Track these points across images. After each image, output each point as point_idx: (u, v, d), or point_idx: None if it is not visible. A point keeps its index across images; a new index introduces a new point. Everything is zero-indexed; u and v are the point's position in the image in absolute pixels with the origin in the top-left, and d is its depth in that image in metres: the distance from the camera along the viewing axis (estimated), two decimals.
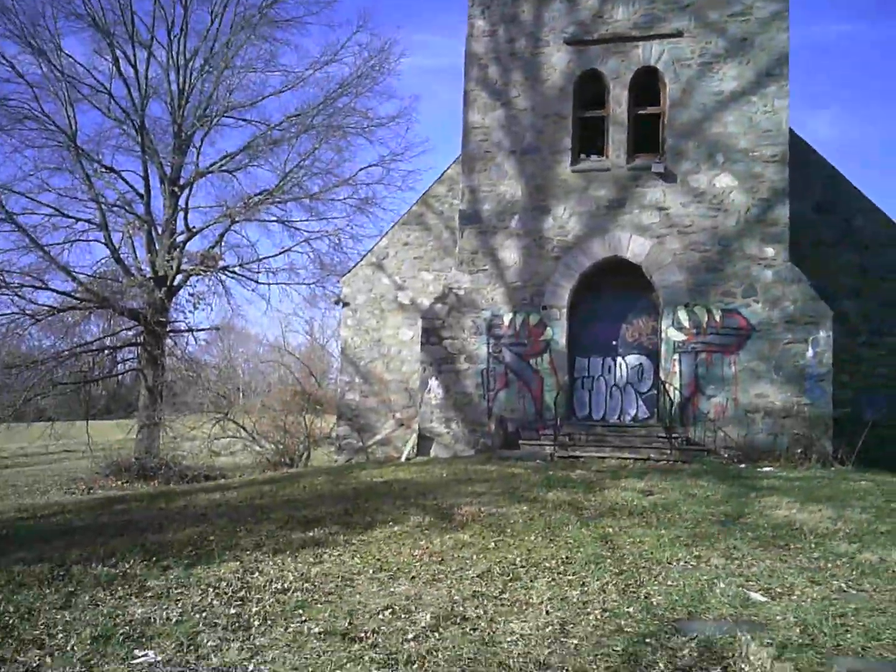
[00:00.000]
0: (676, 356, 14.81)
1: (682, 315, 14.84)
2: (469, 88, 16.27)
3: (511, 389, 15.47)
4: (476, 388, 15.64)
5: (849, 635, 4.82)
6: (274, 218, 26.21)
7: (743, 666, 4.31)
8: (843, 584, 5.93)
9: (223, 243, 25.77)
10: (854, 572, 6.27)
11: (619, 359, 15.66)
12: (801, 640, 4.71)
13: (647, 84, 15.67)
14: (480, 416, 15.55)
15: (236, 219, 24.86)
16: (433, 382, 15.79)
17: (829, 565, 6.48)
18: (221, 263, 25.21)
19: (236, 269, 25.74)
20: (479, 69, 16.25)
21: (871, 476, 12.07)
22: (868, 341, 17.26)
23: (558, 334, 15.36)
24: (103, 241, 24.23)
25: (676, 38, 15.27)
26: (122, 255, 24.18)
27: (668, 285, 14.99)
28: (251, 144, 25.70)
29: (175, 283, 24.25)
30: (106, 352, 24.88)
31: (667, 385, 14.77)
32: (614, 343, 15.68)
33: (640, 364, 15.55)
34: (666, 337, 14.95)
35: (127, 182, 25.07)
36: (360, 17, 45.19)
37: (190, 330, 25.53)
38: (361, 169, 26.28)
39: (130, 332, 24.93)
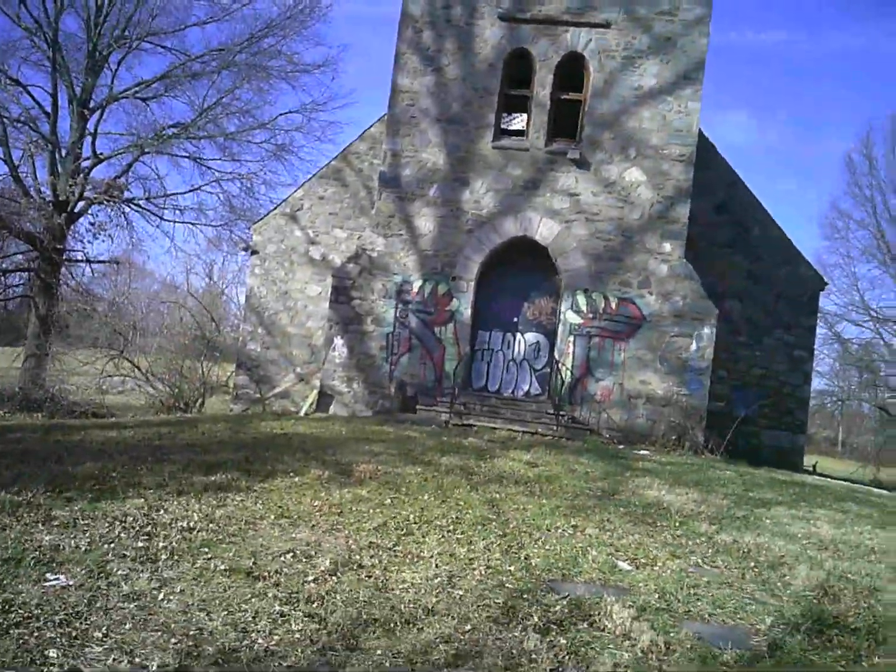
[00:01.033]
0: (572, 338, 15.52)
1: (581, 299, 15.54)
2: (401, 50, 16.29)
3: (414, 355, 15.87)
4: (380, 350, 15.94)
5: (699, 603, 5.48)
6: (186, 154, 25.56)
7: (606, 623, 4.87)
8: (699, 560, 6.61)
9: (130, 174, 24.99)
10: (710, 550, 6.97)
11: (518, 335, 16.29)
12: (658, 605, 5.33)
13: (572, 70, 16.12)
14: (382, 379, 15.89)
15: (146, 150, 24.11)
16: (338, 341, 16.00)
17: (690, 543, 7.16)
18: (127, 194, 24.44)
19: (142, 202, 25.01)
20: (413, 32, 16.29)
21: (736, 467, 13.15)
22: (747, 342, 18.50)
23: (464, 306, 15.81)
24: (2, 156, 23.06)
25: (604, 29, 15.75)
26: (21, 174, 23.06)
27: (570, 269, 15.64)
28: (169, 74, 24.87)
29: (76, 209, 23.35)
30: None
31: (560, 365, 15.47)
32: (515, 320, 16.29)
33: (538, 342, 16.23)
34: (564, 319, 15.63)
35: (33, 97, 23.87)
36: None
37: (88, 260, 24.65)
38: (281, 114, 25.92)
39: (20, 257, 23.91)
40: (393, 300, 15.96)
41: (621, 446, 14.30)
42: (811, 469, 20.23)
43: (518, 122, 17.01)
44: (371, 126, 19.58)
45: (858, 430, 48.16)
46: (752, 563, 6.65)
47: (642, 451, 13.90)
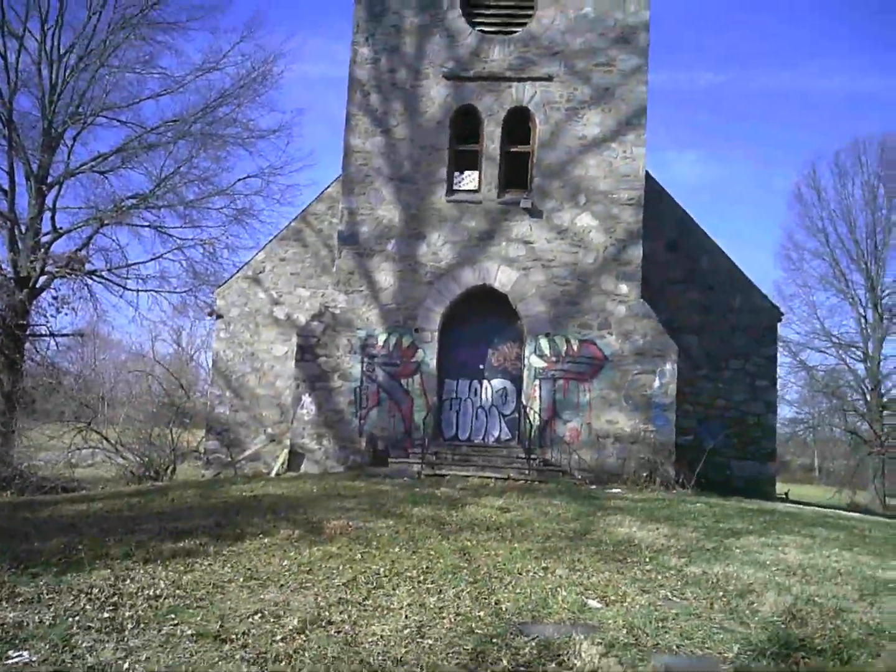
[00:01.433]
0: (537, 382, 15.72)
1: (544, 343, 15.79)
2: (351, 113, 16.69)
3: (382, 408, 15.93)
4: (348, 405, 15.99)
5: (667, 636, 5.53)
6: (146, 223, 25.65)
7: (575, 661, 4.92)
8: (668, 593, 6.67)
9: (91, 246, 25.00)
10: (679, 583, 7.04)
11: (485, 382, 16.44)
12: (626, 640, 5.38)
13: (518, 122, 16.62)
14: (352, 434, 15.89)
15: (106, 221, 24.19)
16: (306, 398, 16.01)
17: (659, 577, 7.23)
18: (88, 267, 24.39)
19: (104, 273, 24.97)
20: (361, 95, 16.72)
21: (706, 499, 13.29)
22: (708, 375, 18.80)
23: (429, 356, 15.96)
24: None
25: (547, 82, 16.31)
26: None
27: (531, 315, 15.91)
28: (125, 147, 25.07)
29: (38, 284, 23.28)
30: None
31: (528, 409, 15.62)
32: (481, 367, 16.47)
33: (505, 388, 16.39)
34: (528, 363, 15.84)
35: None
36: (246, 26, 44.53)
37: (52, 335, 24.46)
38: (239, 179, 26.17)
39: None
40: (358, 355, 16.06)
41: (593, 486, 14.38)
42: (783, 497, 20.42)
43: (469, 181, 17.46)
44: (328, 187, 19.89)
45: (833, 456, 48.52)
46: (721, 593, 6.72)
47: (614, 490, 14.00)
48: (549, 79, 16.26)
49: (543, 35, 16.38)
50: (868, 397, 36.76)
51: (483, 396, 16.41)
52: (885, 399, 36.61)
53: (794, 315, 37.60)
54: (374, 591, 6.37)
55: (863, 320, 37.45)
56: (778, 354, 20.21)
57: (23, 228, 23.61)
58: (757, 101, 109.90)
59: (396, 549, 7.87)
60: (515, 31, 16.54)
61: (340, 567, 7.09)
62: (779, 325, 19.88)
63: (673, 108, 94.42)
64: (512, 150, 16.65)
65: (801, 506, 16.11)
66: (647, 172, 16.56)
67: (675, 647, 5.33)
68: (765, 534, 9.81)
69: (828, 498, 30.61)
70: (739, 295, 19.04)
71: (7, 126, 23.04)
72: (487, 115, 16.38)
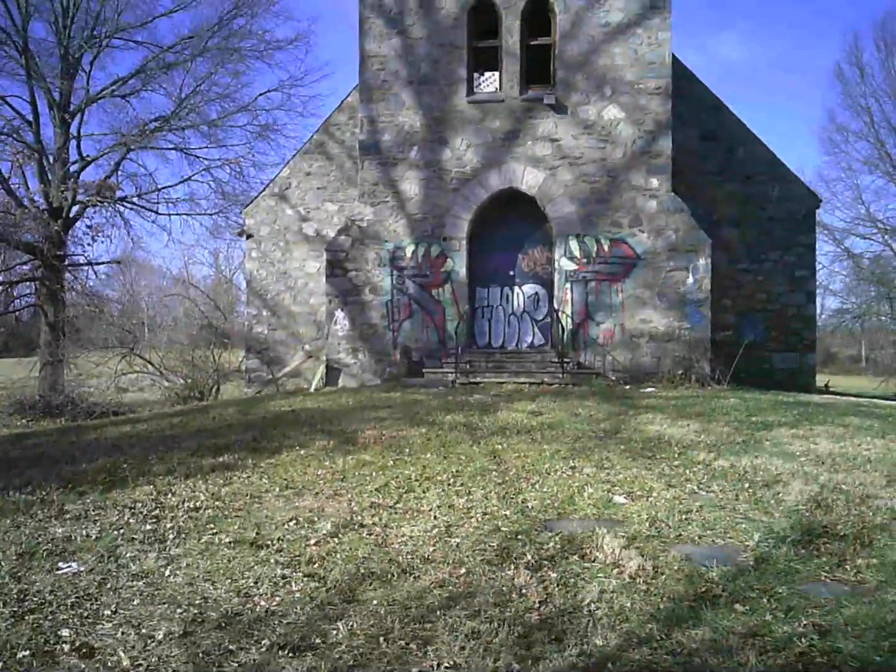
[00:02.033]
0: (568, 285, 15.61)
1: (574, 245, 15.60)
2: (364, 16, 16.19)
3: (415, 320, 16.03)
4: (381, 318, 16.10)
5: (690, 527, 5.65)
6: (172, 145, 25.81)
7: (597, 554, 5.07)
8: (694, 487, 6.75)
9: (120, 172, 25.19)
10: (706, 476, 7.09)
11: (516, 288, 16.40)
12: (649, 533, 5.51)
13: (538, 14, 16.00)
14: (386, 346, 16.07)
15: (132, 146, 24.26)
16: (339, 314, 16.17)
17: (687, 471, 7.28)
18: (119, 193, 24.64)
19: (135, 199, 25.23)
20: None
21: (742, 393, 13.17)
22: (748, 268, 18.40)
23: (459, 265, 15.90)
24: None
25: None
26: (12, 186, 23.33)
27: (560, 216, 15.67)
28: (144, 68, 24.98)
29: (71, 214, 23.61)
30: (1, 287, 24.16)
31: (560, 313, 15.58)
32: (511, 273, 16.39)
33: (536, 293, 16.34)
34: (559, 266, 15.70)
35: (13, 108, 24.05)
36: None
37: (90, 263, 24.99)
38: (260, 94, 26.14)
39: (26, 267, 24.24)
40: (388, 268, 16.07)
41: (627, 386, 14.43)
42: (824, 388, 20.26)
43: (490, 81, 16.90)
44: (348, 95, 19.41)
45: (881, 345, 47.66)
46: (747, 485, 6.75)
47: (648, 389, 14.01)
48: None
49: None
50: None
51: (515, 302, 16.40)
52: None
53: (837, 201, 36.48)
54: (405, 495, 6.57)
55: None
56: (817, 242, 19.70)
57: (51, 159, 23.79)
58: None
59: (428, 455, 8.06)
60: None
61: (373, 474, 7.30)
62: (818, 211, 19.32)
63: None
64: (532, 43, 16.08)
65: (839, 396, 15.97)
66: (676, 59, 15.91)
67: (696, 538, 5.44)
68: (797, 425, 9.71)
69: (874, 388, 30.18)
70: (777, 183, 18.43)
71: (24, 54, 22.96)
72: (505, 7, 15.76)
